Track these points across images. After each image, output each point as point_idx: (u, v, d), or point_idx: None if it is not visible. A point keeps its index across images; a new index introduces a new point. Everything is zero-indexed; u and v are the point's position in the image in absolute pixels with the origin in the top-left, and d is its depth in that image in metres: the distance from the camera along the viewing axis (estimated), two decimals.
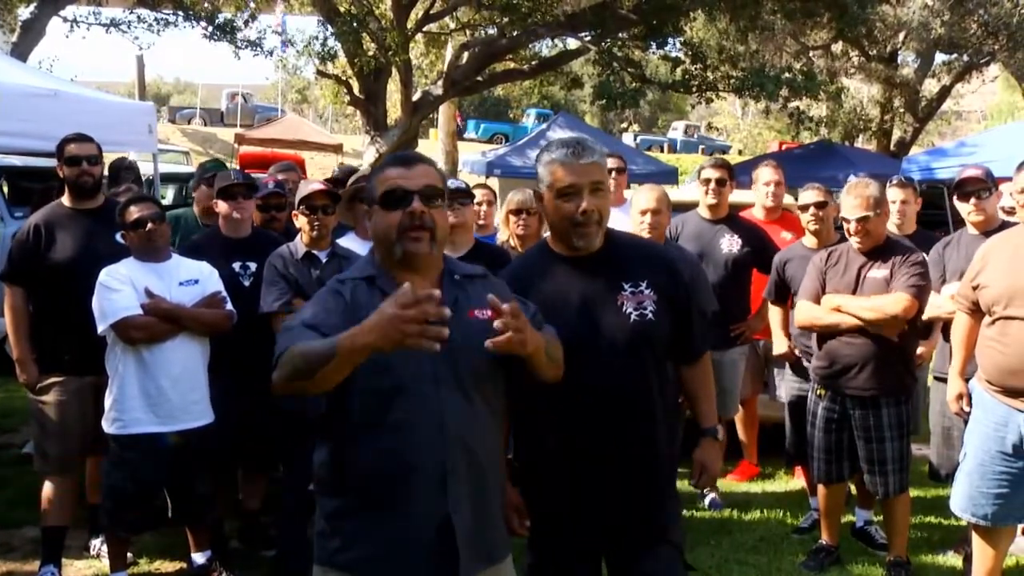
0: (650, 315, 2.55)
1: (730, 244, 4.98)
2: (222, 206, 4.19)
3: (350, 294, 2.21)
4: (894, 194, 4.86)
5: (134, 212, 3.71)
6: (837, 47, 20.41)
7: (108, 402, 3.69)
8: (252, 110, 35.78)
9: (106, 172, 5.87)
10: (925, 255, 4.15)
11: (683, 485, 3.22)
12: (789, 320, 4.67)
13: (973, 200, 4.31)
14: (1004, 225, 4.30)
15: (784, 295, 4.63)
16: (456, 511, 2.16)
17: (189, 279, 3.79)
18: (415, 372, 2.14)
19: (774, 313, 4.78)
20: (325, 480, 2.25)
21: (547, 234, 2.72)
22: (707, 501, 5.05)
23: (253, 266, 4.11)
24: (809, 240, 4.63)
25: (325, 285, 2.29)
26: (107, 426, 3.68)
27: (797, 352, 4.63)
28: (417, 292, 1.85)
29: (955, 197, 4.41)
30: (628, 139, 36.07)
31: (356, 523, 2.19)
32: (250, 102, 36.51)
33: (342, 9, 13.72)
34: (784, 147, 22.64)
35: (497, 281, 2.38)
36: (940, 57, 20.80)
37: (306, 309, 2.23)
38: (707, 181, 5.03)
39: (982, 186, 4.31)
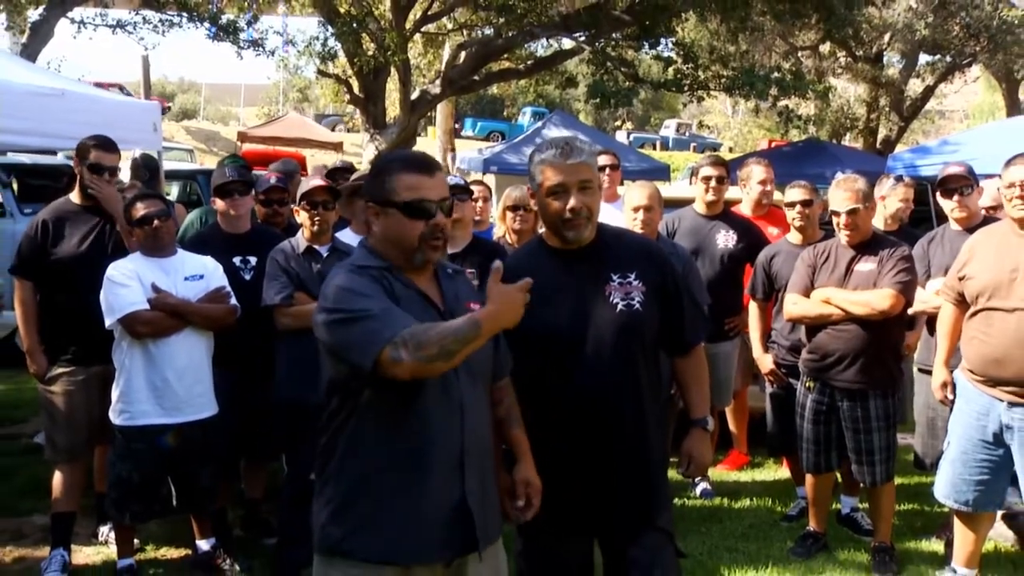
0: (638, 306, 2.59)
1: (726, 239, 5.04)
2: (219, 203, 4.25)
3: (378, 280, 2.22)
4: (904, 193, 4.92)
5: (140, 209, 3.76)
6: (825, 48, 20.58)
7: (115, 395, 3.74)
8: None
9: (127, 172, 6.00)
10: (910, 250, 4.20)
11: (675, 474, 3.29)
12: (768, 323, 4.72)
13: (956, 197, 4.35)
14: (986, 221, 4.33)
15: (770, 292, 4.66)
16: (472, 493, 2.23)
17: (194, 274, 3.84)
18: None
19: (755, 317, 4.75)
20: (333, 467, 2.23)
21: (543, 229, 2.79)
22: (698, 490, 5.11)
23: (253, 260, 4.16)
24: (794, 236, 4.68)
25: (342, 273, 2.24)
26: (114, 418, 3.73)
27: (780, 360, 4.61)
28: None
29: (938, 193, 4.44)
30: (621, 137, 36.21)
31: (367, 509, 2.19)
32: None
33: (342, 10, 13.74)
34: (773, 144, 22.70)
35: (467, 279, 2.56)
36: (924, 58, 21.07)
37: (368, 298, 2.14)
38: (707, 179, 5.10)
39: (965, 183, 4.34)
